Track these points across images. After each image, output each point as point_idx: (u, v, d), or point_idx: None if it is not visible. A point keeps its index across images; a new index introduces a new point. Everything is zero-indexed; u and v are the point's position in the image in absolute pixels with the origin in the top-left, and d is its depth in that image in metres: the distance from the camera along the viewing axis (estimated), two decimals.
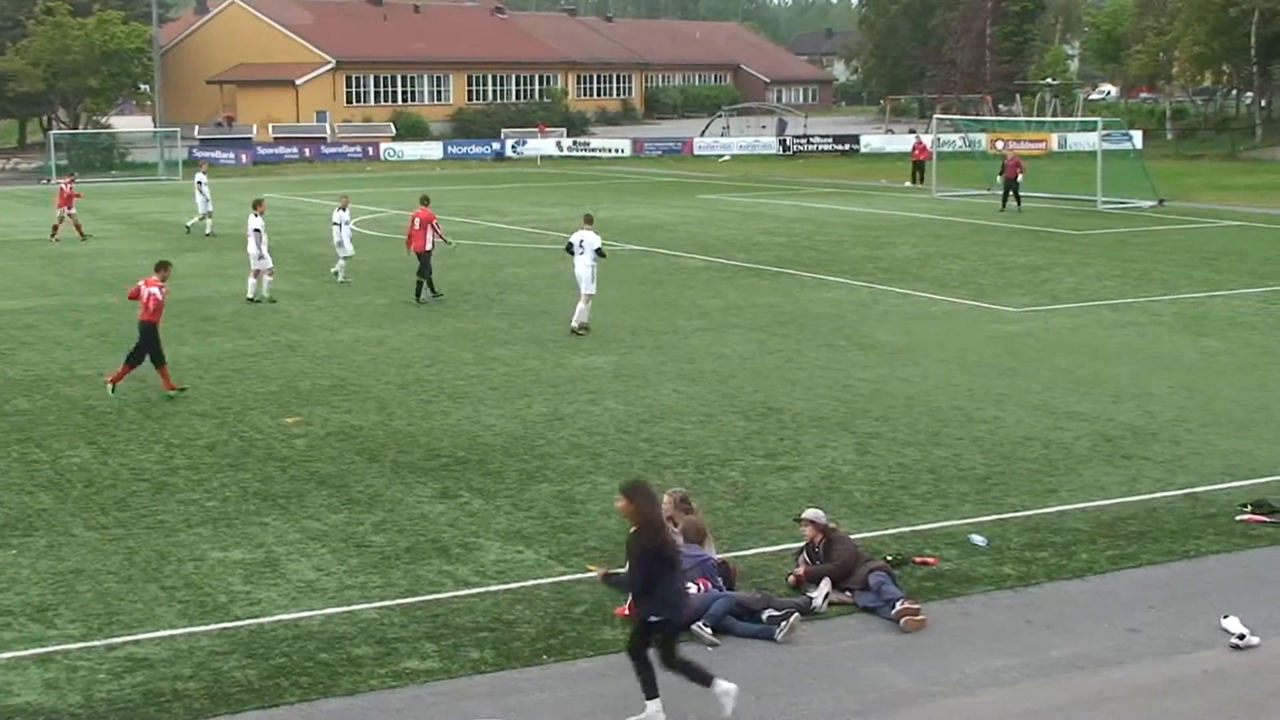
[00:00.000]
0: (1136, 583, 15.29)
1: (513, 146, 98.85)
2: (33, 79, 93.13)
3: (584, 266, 29.77)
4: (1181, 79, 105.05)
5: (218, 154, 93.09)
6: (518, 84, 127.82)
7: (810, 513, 15.47)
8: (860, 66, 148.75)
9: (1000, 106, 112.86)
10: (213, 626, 14.17)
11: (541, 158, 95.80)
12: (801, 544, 15.37)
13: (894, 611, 14.09)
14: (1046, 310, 32.45)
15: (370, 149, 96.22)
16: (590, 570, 15.56)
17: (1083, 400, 23.43)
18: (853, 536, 15.53)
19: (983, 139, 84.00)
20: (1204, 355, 27.25)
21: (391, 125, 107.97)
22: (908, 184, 69.66)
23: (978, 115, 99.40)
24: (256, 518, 17.68)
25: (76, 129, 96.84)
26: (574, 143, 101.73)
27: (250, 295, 34.76)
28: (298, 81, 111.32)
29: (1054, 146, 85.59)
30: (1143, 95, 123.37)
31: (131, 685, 12.85)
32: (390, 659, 13.36)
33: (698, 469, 19.62)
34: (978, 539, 16.46)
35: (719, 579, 14.47)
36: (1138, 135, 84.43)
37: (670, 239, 47.32)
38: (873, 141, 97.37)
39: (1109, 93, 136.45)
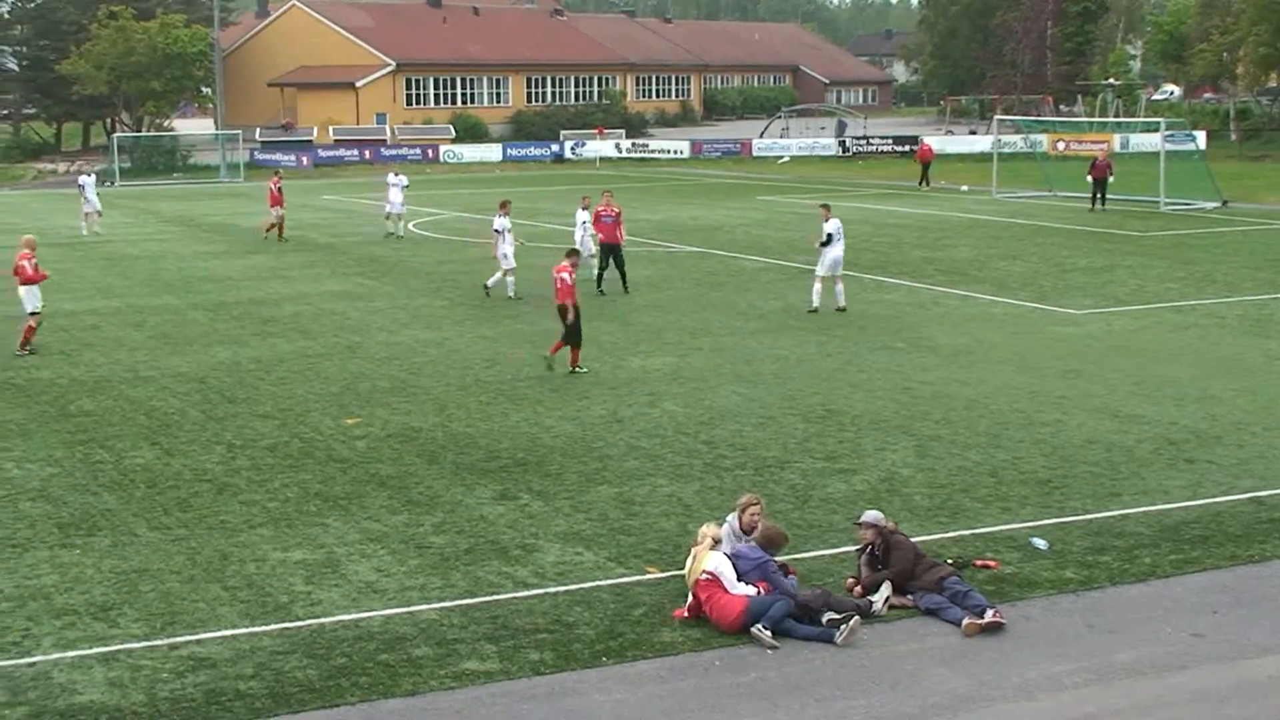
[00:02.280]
0: (1200, 587, 15.15)
1: (571, 148, 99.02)
2: (96, 82, 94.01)
3: (841, 250, 32.45)
4: (1245, 79, 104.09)
5: (279, 156, 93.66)
6: (576, 86, 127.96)
7: (868, 515, 15.40)
8: (920, 67, 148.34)
9: (1061, 107, 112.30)
10: (274, 627, 14.25)
11: (600, 159, 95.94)
12: (860, 545, 15.33)
13: (989, 617, 13.98)
14: (1108, 312, 32.23)
15: (430, 151, 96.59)
16: (649, 572, 15.58)
17: (1145, 403, 23.26)
18: (914, 539, 15.45)
19: (1043, 140, 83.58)
20: (1268, 358, 26.99)
21: (451, 127, 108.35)
22: (921, 186, 70.40)
23: (1039, 116, 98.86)
24: (317, 519, 17.76)
25: (139, 131, 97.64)
26: (633, 144, 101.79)
27: (509, 293, 35.11)
28: (358, 84, 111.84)
29: (1116, 147, 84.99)
30: (1206, 96, 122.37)
31: (194, 685, 12.93)
32: (450, 660, 13.39)
33: (757, 471, 19.59)
34: (1039, 542, 16.36)
35: (782, 582, 14.37)
36: (1201, 136, 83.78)
37: (729, 240, 47.29)
38: (933, 143, 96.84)
39: (1171, 93, 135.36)
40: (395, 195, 49.66)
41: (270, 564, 16.10)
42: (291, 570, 15.88)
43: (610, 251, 36.23)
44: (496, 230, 35.10)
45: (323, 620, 14.40)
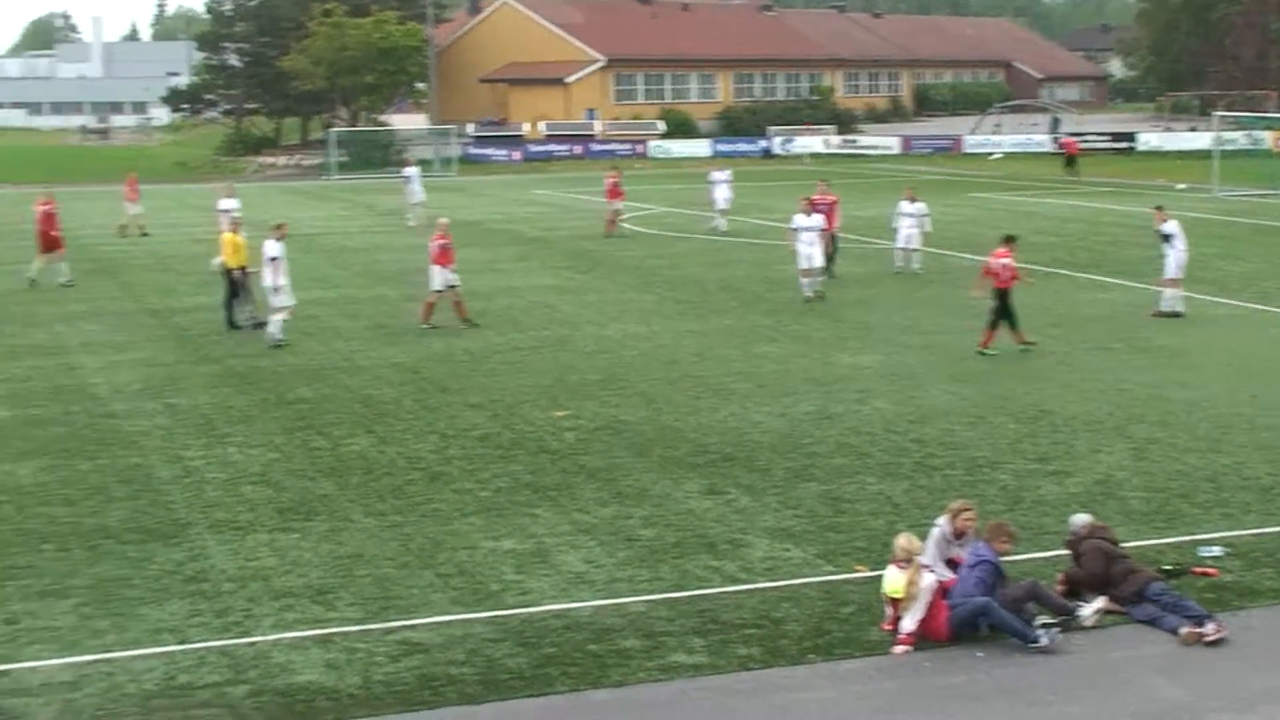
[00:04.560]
0: None
1: (780, 144, 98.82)
2: (314, 77, 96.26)
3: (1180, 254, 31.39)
4: None
5: (490, 151, 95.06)
6: (785, 81, 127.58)
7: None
8: (1137, 63, 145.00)
9: None
10: (485, 614, 14.44)
11: (809, 155, 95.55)
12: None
13: (1210, 630, 13.61)
14: None
15: (638, 146, 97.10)
16: (858, 570, 15.47)
17: None
18: (1127, 544, 15.13)
19: (1267, 137, 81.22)
20: None
21: (660, 123, 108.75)
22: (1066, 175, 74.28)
23: (1262, 113, 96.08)
24: (527, 509, 17.96)
25: (355, 126, 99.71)
26: (842, 140, 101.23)
27: (805, 294, 34.09)
28: (567, 80, 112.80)
29: None
30: None
31: (407, 669, 13.16)
32: (658, 652, 13.45)
33: (967, 471, 19.34)
34: (1212, 550, 15.86)
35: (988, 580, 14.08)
36: None
37: (939, 238, 46.58)
38: (1150, 139, 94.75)
39: None
40: (721, 191, 49.22)
41: (482, 552, 16.31)
42: (502, 559, 16.08)
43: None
44: (793, 229, 34.29)
45: (532, 609, 14.55)
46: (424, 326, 30.47)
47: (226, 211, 39.02)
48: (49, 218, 38.60)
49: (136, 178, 54.40)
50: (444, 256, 30.82)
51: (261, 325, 29.75)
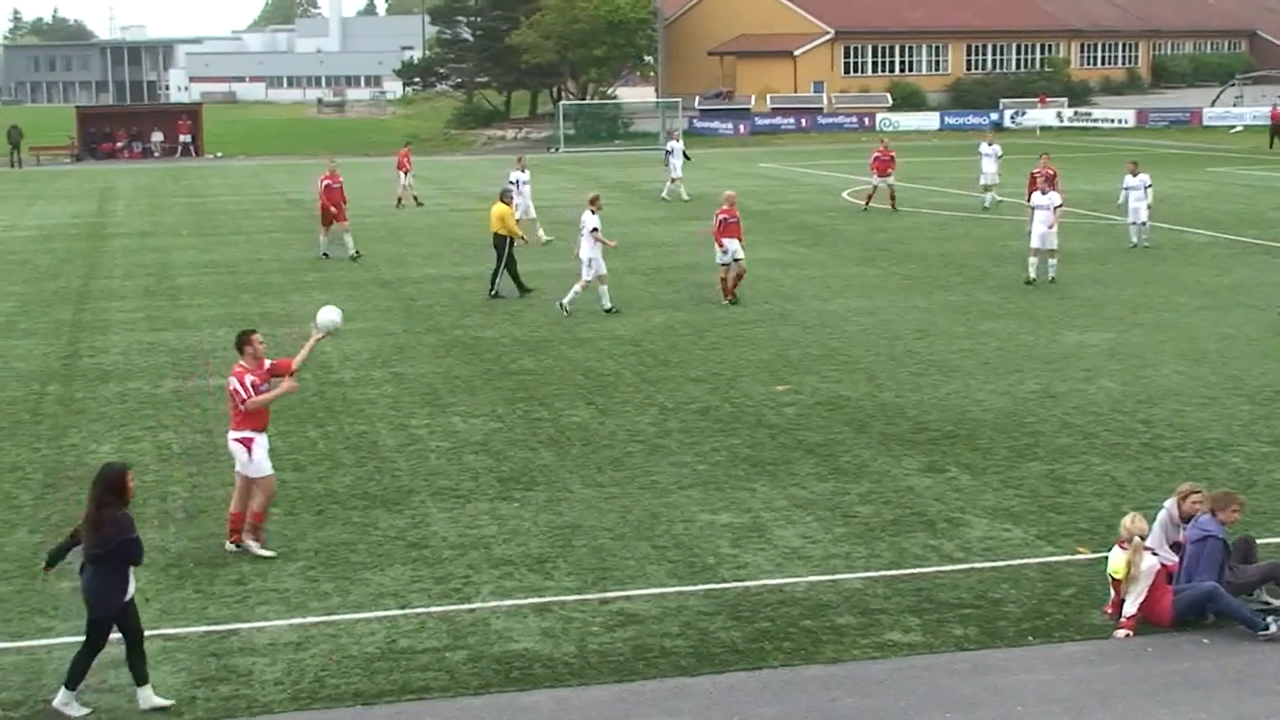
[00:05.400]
0: None
1: (1011, 117, 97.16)
2: (543, 51, 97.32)
3: None
4: None
5: (716, 124, 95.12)
6: (1018, 53, 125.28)
7: None
8: None
9: None
10: (700, 587, 14.48)
11: (1040, 129, 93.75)
12: None
13: None
14: None
15: (866, 119, 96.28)
16: (1080, 552, 15.18)
17: None
18: None
19: None
20: None
21: (888, 95, 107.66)
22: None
23: None
24: (745, 483, 17.95)
25: (583, 99, 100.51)
26: (1074, 113, 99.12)
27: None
28: (795, 52, 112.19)
29: None
30: None
31: (622, 639, 13.26)
32: (873, 630, 13.36)
33: (1197, 453, 18.83)
34: None
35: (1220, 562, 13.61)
36: None
37: (1173, 213, 45.44)
38: None
39: None
40: (989, 165, 48.51)
41: (698, 525, 16.36)
42: (719, 532, 16.11)
43: None
44: (1032, 207, 33.11)
45: (748, 583, 14.56)
46: (725, 301, 30.52)
47: (515, 183, 40.18)
48: (331, 191, 39.72)
49: (409, 149, 55.88)
50: (726, 230, 30.48)
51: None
